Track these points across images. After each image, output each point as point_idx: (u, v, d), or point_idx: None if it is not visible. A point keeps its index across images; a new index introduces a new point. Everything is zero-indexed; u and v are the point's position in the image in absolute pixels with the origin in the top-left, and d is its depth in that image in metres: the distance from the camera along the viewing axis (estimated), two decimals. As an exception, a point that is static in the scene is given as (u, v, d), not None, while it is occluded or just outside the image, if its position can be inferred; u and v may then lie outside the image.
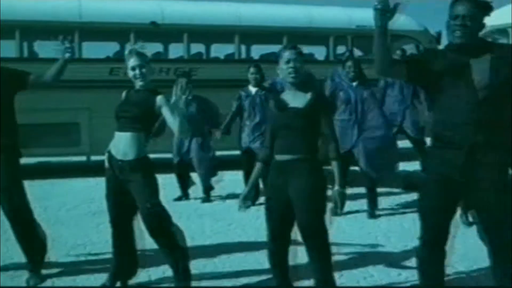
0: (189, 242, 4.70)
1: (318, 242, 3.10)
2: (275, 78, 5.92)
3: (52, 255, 4.14)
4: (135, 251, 3.68)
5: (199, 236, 5.07)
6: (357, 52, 10.66)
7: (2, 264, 4.11)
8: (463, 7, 2.69)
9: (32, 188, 6.74)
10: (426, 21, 12.51)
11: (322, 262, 3.16)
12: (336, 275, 3.85)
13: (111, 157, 3.47)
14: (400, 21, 9.80)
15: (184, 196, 6.82)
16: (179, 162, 6.76)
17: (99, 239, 4.68)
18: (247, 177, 5.97)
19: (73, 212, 6.01)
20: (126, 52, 3.49)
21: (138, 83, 3.44)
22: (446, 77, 2.77)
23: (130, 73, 3.44)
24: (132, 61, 3.42)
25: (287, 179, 3.11)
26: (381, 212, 5.74)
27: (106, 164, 3.52)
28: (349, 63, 5.54)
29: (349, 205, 5.90)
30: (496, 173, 2.70)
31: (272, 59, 8.61)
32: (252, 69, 6.42)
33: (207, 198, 6.66)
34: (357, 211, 5.83)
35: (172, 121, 3.33)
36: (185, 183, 6.87)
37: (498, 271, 2.82)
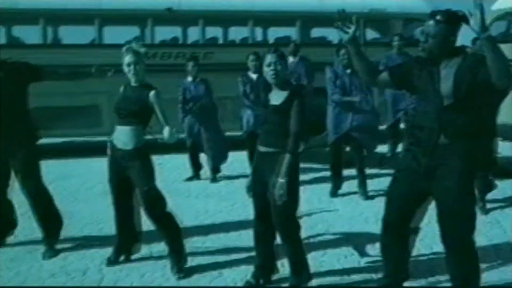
0: (193, 220, 5.18)
1: (288, 225, 3.47)
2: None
3: (67, 231, 4.63)
4: (135, 229, 4.12)
5: (203, 215, 5.51)
6: (373, 34, 10.87)
7: (20, 239, 4.61)
8: (427, 26, 3.00)
9: (57, 167, 7.29)
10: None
11: (292, 244, 3.54)
12: (320, 253, 4.26)
13: (113, 147, 3.89)
14: (413, 4, 9.98)
15: (196, 176, 7.25)
16: (191, 143, 7.18)
17: (110, 217, 5.14)
18: (251, 158, 6.34)
19: (90, 191, 6.48)
20: (123, 49, 3.85)
21: (133, 80, 3.84)
22: (420, 84, 3.11)
23: (125, 69, 3.83)
24: (127, 58, 3.80)
25: (265, 168, 3.48)
26: (374, 194, 6.05)
27: (109, 152, 3.95)
28: (342, 51, 5.81)
29: (347, 187, 6.28)
30: (455, 172, 3.00)
31: (286, 42, 9.04)
32: (251, 57, 6.74)
33: (214, 178, 7.08)
34: (354, 193, 6.16)
35: (163, 124, 3.73)
36: (197, 164, 7.29)
37: (451, 259, 3.14)
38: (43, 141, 4.58)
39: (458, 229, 3.02)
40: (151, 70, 4.31)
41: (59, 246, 4.41)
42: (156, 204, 3.83)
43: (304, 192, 4.45)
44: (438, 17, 2.97)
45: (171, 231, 3.91)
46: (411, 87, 3.24)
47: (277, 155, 3.41)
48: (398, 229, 3.29)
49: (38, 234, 4.45)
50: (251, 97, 6.71)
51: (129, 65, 3.81)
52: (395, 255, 3.35)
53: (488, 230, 4.78)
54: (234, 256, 4.21)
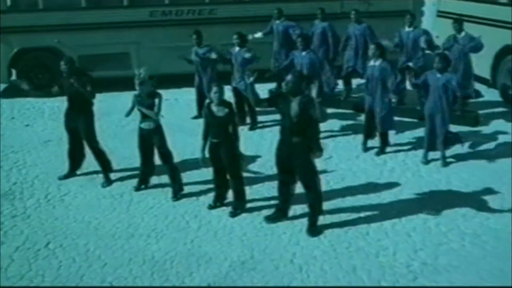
0: (190, 155, 7.97)
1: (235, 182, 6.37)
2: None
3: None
4: (153, 166, 7.09)
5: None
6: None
7: (86, 170, 7.65)
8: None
9: (103, 102, 9.99)
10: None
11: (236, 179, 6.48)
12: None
13: (141, 129, 6.76)
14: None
15: (200, 116, 10.06)
16: (197, 86, 9.93)
17: (137, 155, 8.06)
18: (237, 105, 9.03)
19: (125, 129, 9.35)
20: (136, 74, 6.57)
21: (141, 93, 6.60)
22: (283, 108, 5.83)
23: (137, 87, 6.57)
24: (138, 82, 6.54)
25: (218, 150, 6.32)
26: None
27: (138, 132, 6.82)
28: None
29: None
30: (302, 156, 5.82)
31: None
32: (235, 36, 9.21)
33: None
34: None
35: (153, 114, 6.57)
36: (202, 105, 10.05)
37: (307, 195, 6.04)
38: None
39: (306, 180, 5.90)
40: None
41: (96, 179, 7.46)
42: (167, 156, 6.80)
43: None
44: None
45: (173, 171, 6.88)
46: (279, 110, 5.94)
47: (221, 144, 6.25)
48: (285, 182, 6.16)
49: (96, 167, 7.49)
50: (235, 65, 9.36)
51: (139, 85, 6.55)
52: (284, 193, 6.24)
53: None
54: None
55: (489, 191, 6.92)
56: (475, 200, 6.70)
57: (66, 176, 7.53)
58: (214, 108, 6.23)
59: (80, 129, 7.21)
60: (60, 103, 8.59)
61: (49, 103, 10.84)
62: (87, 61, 10.78)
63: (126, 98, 9.95)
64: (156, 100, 6.64)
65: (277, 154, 6.07)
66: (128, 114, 6.84)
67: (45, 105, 10.90)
